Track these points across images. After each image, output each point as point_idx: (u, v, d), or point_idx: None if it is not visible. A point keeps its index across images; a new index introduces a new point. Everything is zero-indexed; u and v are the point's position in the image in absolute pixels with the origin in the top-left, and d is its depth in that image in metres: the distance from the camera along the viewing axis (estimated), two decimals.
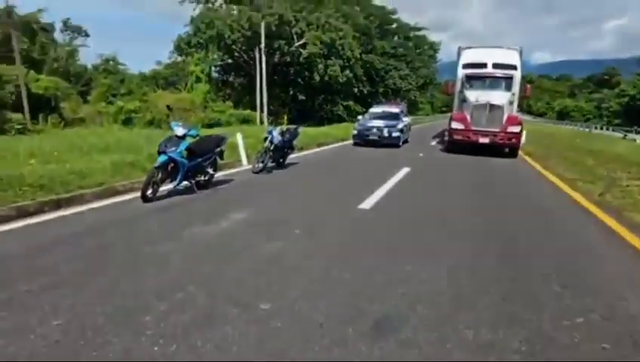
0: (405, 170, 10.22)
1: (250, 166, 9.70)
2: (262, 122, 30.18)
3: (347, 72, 38.13)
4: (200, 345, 2.53)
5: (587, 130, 45.59)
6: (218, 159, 7.86)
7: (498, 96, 14.64)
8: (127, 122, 26.12)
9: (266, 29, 31.82)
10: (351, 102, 42.06)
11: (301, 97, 40.30)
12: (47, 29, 37.29)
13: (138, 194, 6.31)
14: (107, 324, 2.70)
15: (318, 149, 15.30)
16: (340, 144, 17.65)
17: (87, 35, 43.98)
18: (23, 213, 5.35)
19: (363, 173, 10.27)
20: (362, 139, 16.68)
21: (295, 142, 11.05)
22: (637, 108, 53.43)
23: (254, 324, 2.79)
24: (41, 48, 34.97)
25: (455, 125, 14.99)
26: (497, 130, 14.19)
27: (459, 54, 17.17)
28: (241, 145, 10.82)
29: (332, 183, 8.63)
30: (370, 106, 23.90)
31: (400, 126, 17.45)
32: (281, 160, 10.22)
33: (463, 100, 15.56)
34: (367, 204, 6.57)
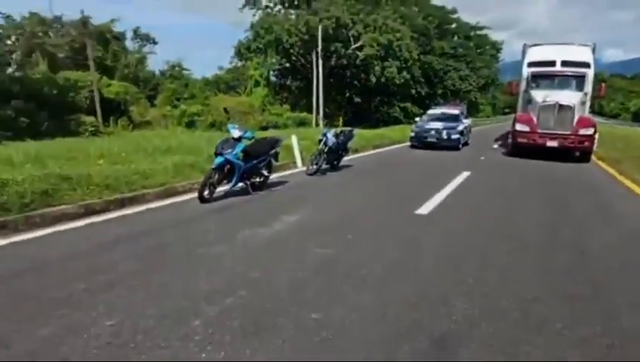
0: (465, 174, 9.75)
1: (305, 168, 9.69)
2: (317, 124, 30.33)
3: (404, 73, 37.38)
4: (248, 354, 2.45)
5: None
6: (273, 161, 7.90)
7: (568, 96, 13.62)
8: (190, 125, 27.18)
9: (323, 32, 31.97)
10: (408, 104, 41.20)
11: (357, 99, 40.06)
12: (119, 37, 39.70)
13: (196, 194, 6.44)
14: (157, 327, 2.70)
15: (373, 151, 15.06)
16: (396, 146, 17.29)
17: (155, 43, 46.39)
18: (90, 211, 5.62)
19: (420, 176, 9.93)
20: (420, 142, 16.22)
21: (350, 145, 10.92)
22: None
23: (304, 335, 2.68)
24: (114, 56, 37.28)
25: (520, 127, 14.12)
26: (567, 132, 13.18)
27: (524, 52, 16.21)
28: (296, 147, 10.85)
29: (388, 187, 8.40)
30: (428, 108, 23.27)
31: (460, 128, 16.80)
32: (335, 162, 10.12)
33: (529, 101, 14.65)
34: (425, 209, 6.29)
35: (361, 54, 34.41)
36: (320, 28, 31.61)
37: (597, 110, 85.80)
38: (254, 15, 39.41)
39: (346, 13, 34.12)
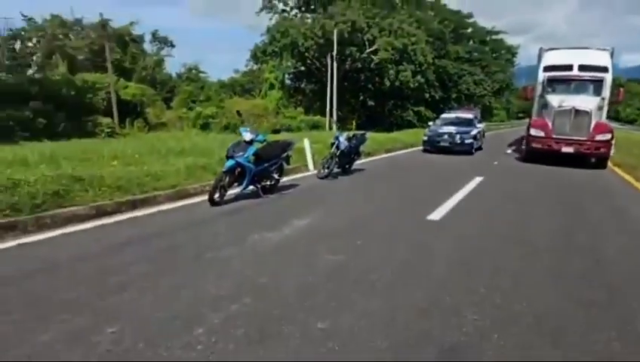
0: (478, 180, 9.58)
1: (316, 171, 9.63)
2: (331, 128, 30.32)
3: (419, 77, 37.20)
4: None
5: None
6: (284, 164, 7.86)
7: (585, 101, 13.29)
8: (205, 127, 27.40)
9: (339, 36, 31.99)
10: (422, 108, 40.97)
11: (371, 103, 39.98)
12: (137, 40, 40.35)
13: (207, 196, 6.42)
14: (160, 335, 2.65)
15: (386, 155, 14.94)
16: (409, 150, 17.14)
17: (172, 46, 47.00)
18: (101, 213, 5.63)
19: (433, 181, 9.80)
20: (433, 146, 16.04)
21: (362, 148, 10.82)
22: None
23: (309, 345, 2.60)
24: (132, 58, 37.86)
25: (534, 132, 13.83)
26: (583, 138, 12.87)
27: (540, 56, 15.93)
28: (308, 150, 10.80)
29: (399, 191, 8.28)
30: (442, 112, 23.03)
31: (473, 132, 16.58)
32: (347, 166, 10.03)
33: (544, 105, 14.35)
34: (437, 214, 6.18)
35: (375, 58, 34.37)
36: (335, 32, 31.65)
37: (613, 115, 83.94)
38: (271, 19, 39.76)
39: (362, 17, 34.14)
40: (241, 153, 6.60)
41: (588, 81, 13.89)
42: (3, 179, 5.35)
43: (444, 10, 49.04)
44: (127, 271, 3.65)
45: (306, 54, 36.55)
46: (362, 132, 11.55)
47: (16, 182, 5.38)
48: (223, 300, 3.15)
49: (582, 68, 14.26)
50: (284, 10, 41.45)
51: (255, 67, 42.96)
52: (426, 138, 16.46)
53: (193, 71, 43.35)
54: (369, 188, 8.61)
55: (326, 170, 9.17)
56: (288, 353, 2.52)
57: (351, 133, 10.46)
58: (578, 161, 12.92)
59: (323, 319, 2.90)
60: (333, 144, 9.52)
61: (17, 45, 34.83)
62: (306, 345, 2.60)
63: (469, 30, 54.06)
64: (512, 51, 59.77)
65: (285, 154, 7.73)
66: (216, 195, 6.37)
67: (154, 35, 45.01)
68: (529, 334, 2.85)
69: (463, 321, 2.97)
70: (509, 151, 18.07)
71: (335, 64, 31.88)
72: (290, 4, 41.96)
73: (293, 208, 6.42)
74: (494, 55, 56.23)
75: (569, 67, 14.51)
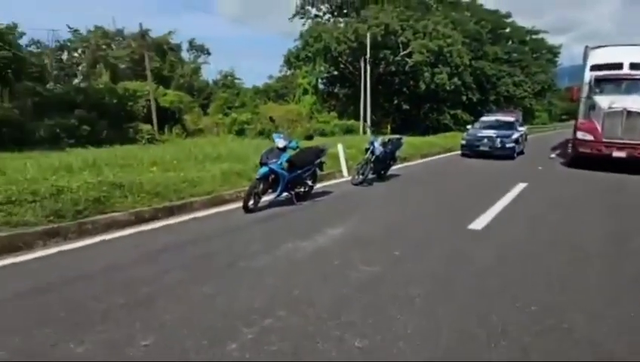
0: (522, 186, 9.17)
1: (350, 177, 9.50)
2: (365, 132, 30.09)
3: (455, 79, 36.39)
4: None
5: None
6: (318, 171, 7.78)
7: (637, 102, 12.47)
8: (240, 133, 27.78)
9: (372, 39, 31.79)
10: (458, 111, 40.02)
11: (405, 106, 39.45)
12: (175, 49, 41.54)
13: (241, 203, 6.42)
14: (192, 349, 2.59)
15: (422, 160, 14.62)
16: (446, 155, 16.72)
17: (209, 54, 48.12)
18: (139, 219, 5.72)
19: (473, 187, 9.47)
20: (472, 150, 15.57)
21: (398, 153, 10.61)
22: None
23: None
24: (170, 66, 39.00)
25: (581, 135, 13.12)
26: (637, 141, 12.11)
27: (586, 55, 15.15)
28: (342, 156, 10.68)
29: (438, 198, 8.03)
30: (480, 115, 22.42)
31: (515, 136, 15.98)
32: (382, 172, 9.85)
33: (592, 107, 13.59)
34: (479, 224, 5.91)
35: (410, 61, 33.90)
36: (368, 35, 31.46)
37: None
38: (304, 24, 40.02)
39: (396, 20, 33.78)
40: (274, 160, 6.58)
41: None
42: (48, 186, 5.53)
43: (481, 10, 47.85)
44: (162, 280, 3.65)
45: (339, 59, 36.52)
46: (398, 136, 11.34)
47: (60, 189, 5.55)
48: (256, 313, 3.08)
49: (633, 66, 13.43)
50: (316, 16, 41.71)
51: (289, 73, 43.34)
52: (464, 142, 16.00)
53: (229, 78, 44.15)
54: (405, 195, 8.40)
55: (360, 176, 9.03)
56: None
57: (386, 138, 10.26)
58: (631, 166, 12.16)
59: (360, 337, 2.77)
60: (367, 149, 9.37)
61: (64, 56, 36.59)
62: None
63: (508, 30, 52.43)
64: (553, 51, 57.55)
65: (319, 160, 7.65)
66: (251, 202, 6.37)
67: (191, 43, 46.24)
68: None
69: (512, 345, 2.77)
70: (553, 155, 17.30)
71: (368, 68, 31.66)
72: (323, 9, 42.18)
73: (326, 216, 6.32)
74: (535, 55, 54.29)
75: (619, 65, 13.71)
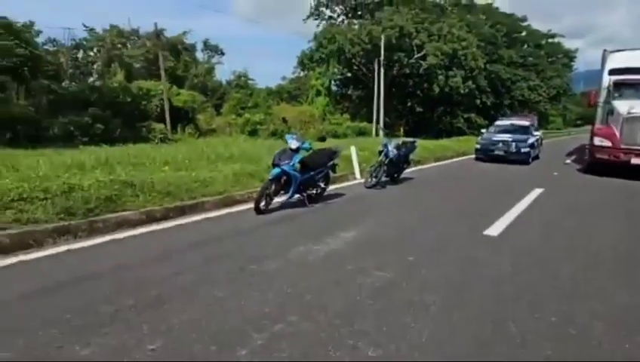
0: (538, 191, 8.97)
1: (363, 180, 9.38)
2: (377, 134, 29.95)
3: (470, 82, 36.09)
4: None
5: None
6: (331, 173, 7.69)
7: None
8: (253, 133, 27.79)
9: (386, 41, 31.65)
10: (472, 115, 39.67)
11: (419, 109, 39.22)
12: (190, 49, 41.76)
13: (253, 204, 6.35)
14: (201, 354, 2.51)
15: (435, 164, 14.45)
16: (460, 159, 16.52)
17: (222, 54, 48.32)
18: (150, 218, 5.68)
19: (488, 192, 9.29)
20: (486, 155, 15.35)
21: (412, 157, 10.47)
22: None
23: None
24: (184, 66, 39.20)
25: (598, 141, 12.79)
26: None
27: (604, 59, 14.81)
28: (355, 158, 10.57)
29: (452, 203, 7.87)
30: (494, 119, 22.12)
31: (530, 140, 15.72)
32: (395, 175, 9.71)
33: (610, 112, 13.26)
34: (495, 230, 5.76)
35: (424, 63, 33.66)
36: (383, 37, 31.32)
37: None
38: (318, 26, 40.04)
39: (410, 23, 33.59)
40: (287, 161, 6.50)
41: None
42: (59, 184, 5.52)
43: (497, 13, 47.41)
44: (171, 282, 3.59)
45: (353, 60, 36.44)
46: (412, 140, 11.20)
47: (72, 187, 5.53)
48: (266, 318, 2.99)
49: None
50: (330, 17, 41.70)
51: (302, 74, 43.36)
52: (478, 146, 15.78)
53: (242, 78, 44.27)
54: (419, 199, 8.26)
55: (374, 179, 8.90)
56: None
57: (400, 141, 10.12)
58: None
59: (374, 346, 2.66)
60: (381, 152, 9.24)
61: (80, 55, 37.05)
62: None
63: (524, 34, 51.87)
64: (569, 55, 56.74)
65: (332, 162, 7.56)
66: (262, 203, 6.29)
67: (205, 43, 46.46)
68: None
69: (533, 355, 2.64)
70: (569, 161, 16.99)
71: (382, 70, 31.53)
72: (338, 10, 42.18)
73: (339, 219, 6.22)
74: (550, 59, 53.60)
75: (638, 70, 13.40)
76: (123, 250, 4.48)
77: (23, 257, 4.10)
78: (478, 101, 39.39)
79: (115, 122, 21.17)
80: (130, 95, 24.72)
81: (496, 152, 15.12)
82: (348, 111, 36.76)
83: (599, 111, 14.50)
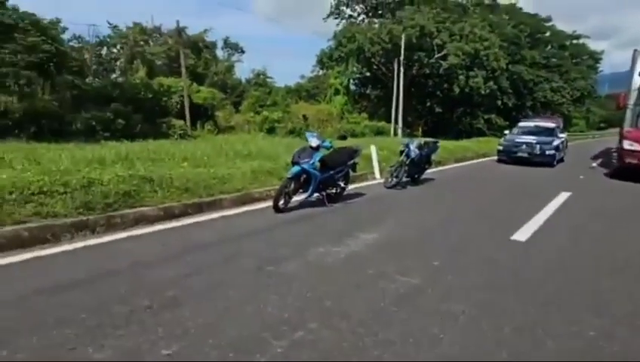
0: (565, 195, 8.65)
1: (383, 180, 9.20)
2: (396, 134, 29.63)
3: (491, 83, 35.42)
4: None
5: None
6: (351, 172, 7.53)
7: None
8: (271, 131, 27.78)
9: (407, 41, 31.26)
10: (493, 116, 38.97)
11: (438, 109, 38.73)
12: (210, 46, 41.98)
13: (271, 203, 6.24)
14: (218, 361, 2.39)
15: (456, 165, 14.15)
16: (481, 160, 16.18)
17: (242, 52, 48.45)
18: (168, 214, 5.62)
19: (513, 195, 9.01)
20: (509, 156, 14.98)
21: (433, 157, 10.25)
22: None
23: None
24: (205, 63, 39.43)
25: (628, 145, 12.30)
26: None
27: (634, 59, 14.26)
28: (375, 157, 10.39)
29: (476, 206, 7.62)
30: (515, 120, 21.62)
31: (555, 143, 15.29)
32: (416, 175, 9.49)
33: None
34: (522, 234, 5.52)
35: (445, 63, 33.15)
36: (403, 37, 30.94)
37: None
38: (338, 25, 39.81)
39: (432, 22, 33.11)
40: (307, 159, 6.36)
41: None
42: (79, 178, 5.49)
43: (520, 13, 46.47)
44: (187, 283, 3.48)
45: (372, 60, 36.13)
46: (434, 140, 10.96)
47: (91, 181, 5.50)
48: (285, 324, 2.85)
49: None
50: (350, 16, 41.44)
51: (320, 73, 43.21)
52: (501, 148, 15.41)
53: (261, 76, 44.30)
54: (441, 201, 8.03)
55: (394, 179, 8.71)
56: None
57: (422, 141, 9.89)
58: None
59: (401, 359, 2.51)
60: (402, 152, 9.03)
61: (103, 51, 37.55)
62: None
63: (547, 34, 50.74)
64: (595, 57, 55.28)
65: (352, 161, 7.40)
66: (281, 202, 6.18)
67: (225, 41, 46.63)
68: None
69: None
70: (594, 164, 16.47)
71: (402, 69, 31.16)
72: (358, 9, 41.88)
73: (359, 219, 6.06)
74: (575, 61, 52.30)
75: None
76: (140, 248, 4.40)
77: (40, 252, 4.06)
78: (499, 102, 38.66)
79: (136, 118, 21.34)
80: (152, 91, 24.91)
81: (520, 154, 14.74)
82: (366, 111, 36.46)
83: (629, 113, 14.00)
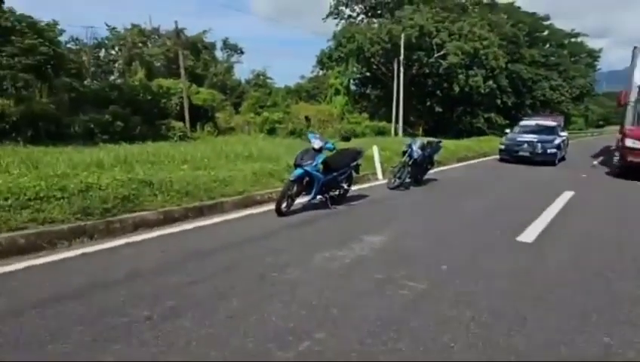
0: (569, 194, 8.56)
1: (386, 181, 9.09)
2: (396, 134, 29.53)
3: (490, 82, 35.35)
4: None
5: None
6: (354, 173, 7.43)
7: None
8: (272, 132, 27.65)
9: (406, 40, 31.15)
10: (493, 114, 38.88)
11: (438, 109, 38.60)
12: (209, 47, 41.89)
13: (273, 206, 6.14)
14: None
15: (458, 165, 14.06)
16: (482, 159, 16.11)
17: (242, 53, 48.37)
18: (168, 218, 5.51)
19: (516, 194, 8.91)
20: (510, 155, 14.90)
21: (436, 157, 10.14)
22: None
23: None
24: (204, 65, 39.33)
25: (631, 143, 12.15)
26: None
27: (634, 56, 14.21)
28: (377, 158, 10.28)
29: (480, 206, 7.51)
30: (515, 119, 21.52)
31: (557, 141, 15.20)
32: (419, 176, 9.38)
33: None
34: (528, 235, 5.42)
35: (444, 63, 33.04)
36: (403, 36, 30.83)
37: None
38: (337, 25, 39.71)
39: (431, 22, 33.01)
40: (309, 161, 6.24)
41: None
42: (77, 183, 5.38)
43: (518, 12, 46.44)
44: (188, 292, 3.36)
45: (372, 60, 36.01)
46: (437, 140, 10.84)
47: (89, 186, 5.38)
48: (291, 334, 2.74)
49: None
50: (350, 16, 41.33)
51: (320, 73, 43.12)
52: (503, 147, 15.34)
53: (261, 77, 44.24)
54: (445, 202, 7.92)
55: (397, 180, 8.60)
56: None
57: (425, 141, 9.77)
58: None
59: None
60: (405, 152, 8.93)
61: (102, 53, 37.43)
62: None
63: (546, 33, 50.72)
64: (593, 55, 55.29)
65: (355, 163, 7.30)
66: (284, 205, 6.06)
67: (225, 42, 46.56)
68: None
69: None
70: (595, 162, 16.40)
71: (402, 69, 31.05)
72: (357, 9, 41.76)
73: (364, 222, 5.95)
74: (573, 59, 52.28)
75: None
76: (139, 255, 4.28)
77: (35, 261, 3.93)
78: (498, 101, 38.60)
79: (135, 120, 21.18)
80: (151, 93, 24.77)
81: (521, 153, 14.67)
82: (366, 111, 36.36)
83: (630, 111, 13.94)
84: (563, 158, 16.32)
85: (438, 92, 37.26)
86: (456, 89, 34.48)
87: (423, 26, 32.34)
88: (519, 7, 47.08)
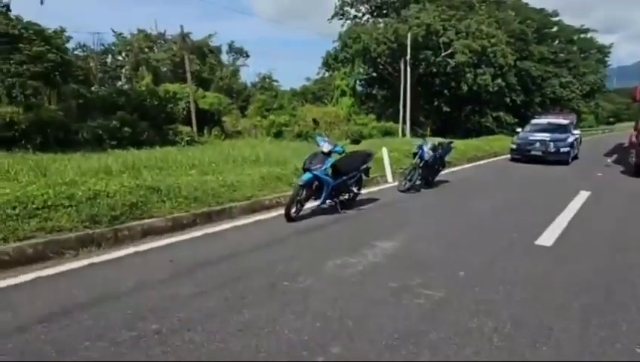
0: (585, 195, 8.35)
1: (396, 183, 8.94)
2: (404, 134, 29.33)
3: (499, 80, 34.97)
4: None
5: None
6: (363, 177, 7.29)
7: None
8: (278, 135, 27.64)
9: (413, 40, 30.94)
10: (501, 113, 38.45)
11: (446, 108, 38.26)
12: (215, 51, 42.01)
13: (282, 210, 6.02)
14: None
15: (469, 165, 13.86)
16: (493, 159, 15.87)
17: (247, 56, 48.50)
18: (177, 225, 5.42)
19: (531, 195, 8.72)
20: (522, 155, 14.66)
21: (447, 159, 9.96)
22: None
23: None
24: (210, 69, 39.44)
25: None
26: None
27: None
28: (387, 160, 10.13)
29: (495, 208, 7.34)
30: (524, 117, 21.23)
31: (570, 140, 14.94)
32: (430, 178, 9.21)
33: None
34: (547, 239, 5.25)
35: (452, 61, 32.77)
36: (409, 36, 30.64)
37: None
38: (343, 25, 39.61)
39: (437, 20, 32.75)
40: (318, 165, 6.11)
41: None
42: (85, 190, 5.31)
43: (526, 8, 45.94)
44: (197, 304, 3.25)
45: (378, 60, 35.82)
46: (449, 141, 10.66)
47: (97, 193, 5.32)
48: (305, 348, 2.62)
49: None
50: (355, 17, 41.18)
51: (326, 75, 43.02)
52: (514, 146, 15.11)
53: (267, 80, 44.31)
54: (459, 204, 7.75)
55: (408, 183, 8.45)
56: None
57: (436, 142, 9.60)
58: None
59: None
60: (415, 154, 8.77)
61: (109, 59, 37.70)
62: None
63: (554, 29, 50.08)
64: (603, 51, 54.49)
65: (365, 166, 7.15)
66: (293, 210, 5.95)
67: (230, 46, 46.72)
68: None
69: None
70: (609, 161, 16.09)
71: (409, 69, 30.85)
72: (362, 9, 41.63)
73: (375, 227, 5.82)
74: (583, 55, 51.58)
75: None
76: (147, 265, 4.17)
77: (42, 272, 3.83)
78: (507, 99, 38.19)
79: (143, 125, 21.21)
80: (157, 98, 24.85)
81: (534, 152, 14.43)
82: (373, 112, 36.17)
83: None
84: (576, 157, 16.06)
85: (445, 91, 36.95)
86: (464, 88, 34.17)
87: (429, 24, 32.10)
88: (527, 4, 46.60)
